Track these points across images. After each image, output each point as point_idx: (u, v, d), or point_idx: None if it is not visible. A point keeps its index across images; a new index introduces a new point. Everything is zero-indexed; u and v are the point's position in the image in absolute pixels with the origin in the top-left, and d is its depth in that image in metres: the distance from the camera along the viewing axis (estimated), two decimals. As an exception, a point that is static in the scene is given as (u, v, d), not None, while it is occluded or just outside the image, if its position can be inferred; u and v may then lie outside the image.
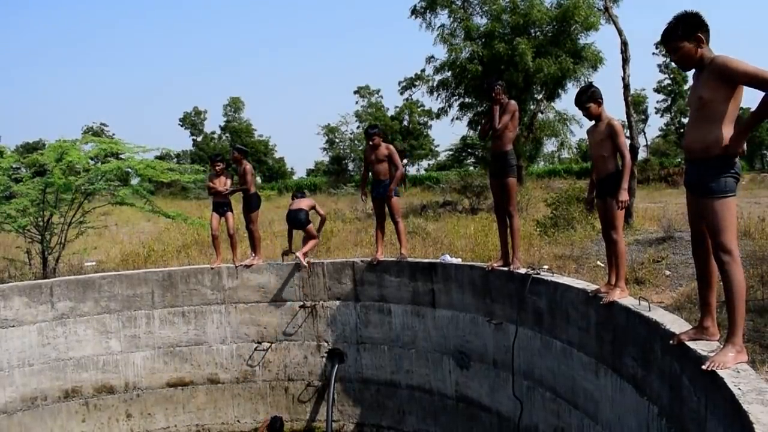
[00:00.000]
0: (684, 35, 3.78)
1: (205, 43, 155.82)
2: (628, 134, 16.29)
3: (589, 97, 5.50)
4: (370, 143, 9.06)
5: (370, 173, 9.26)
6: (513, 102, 7.22)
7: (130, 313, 9.51)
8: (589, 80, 24.84)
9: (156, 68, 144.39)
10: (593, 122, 5.59)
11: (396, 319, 9.05)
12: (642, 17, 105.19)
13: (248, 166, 9.81)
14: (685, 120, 52.48)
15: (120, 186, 12.65)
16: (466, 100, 29.24)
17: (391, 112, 54.92)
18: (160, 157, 23.03)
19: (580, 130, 33.31)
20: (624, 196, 5.26)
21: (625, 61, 23.78)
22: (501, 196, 7.38)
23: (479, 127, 7.63)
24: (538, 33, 25.85)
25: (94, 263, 12.70)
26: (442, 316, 8.51)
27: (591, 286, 6.05)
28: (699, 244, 3.98)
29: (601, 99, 5.53)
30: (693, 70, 3.88)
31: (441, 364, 8.63)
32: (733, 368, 3.52)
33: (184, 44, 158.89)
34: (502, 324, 7.44)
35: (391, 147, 9.17)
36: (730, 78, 3.57)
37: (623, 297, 5.32)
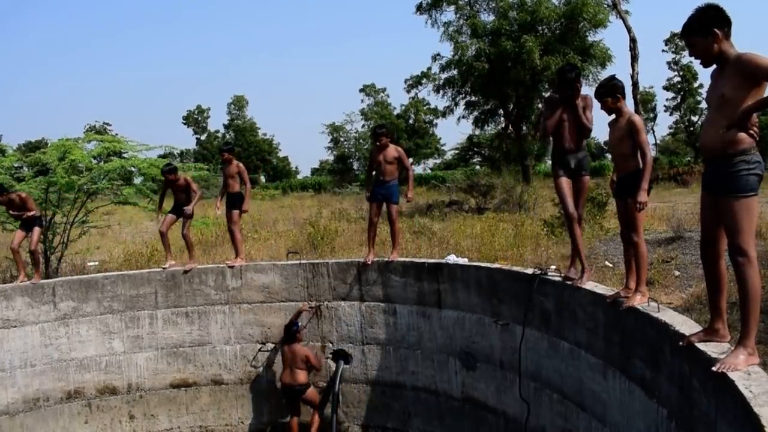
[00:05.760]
0: (699, 30, 3.69)
1: (209, 41, 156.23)
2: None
3: (606, 90, 5.29)
4: (377, 143, 9.00)
5: (374, 173, 9.21)
6: (588, 94, 6.24)
7: (133, 314, 9.46)
8: (599, 78, 24.71)
9: (159, 66, 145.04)
10: (613, 117, 5.36)
11: (401, 320, 8.97)
12: (652, 13, 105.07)
13: (242, 165, 9.80)
14: (695, 118, 52.36)
15: (123, 185, 12.64)
16: (473, 98, 29.19)
17: (397, 111, 54.95)
18: (164, 156, 23.04)
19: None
20: (643, 197, 5.00)
21: (634, 58, 23.69)
22: (571, 194, 6.35)
23: (541, 125, 6.88)
24: (545, 30, 25.78)
25: (96, 263, 12.66)
26: (448, 317, 8.43)
27: (599, 286, 5.95)
28: (709, 246, 3.89)
29: (621, 94, 5.30)
30: (712, 67, 3.78)
31: (447, 365, 8.55)
32: (744, 370, 3.45)
33: (187, 42, 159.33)
34: (509, 325, 7.35)
35: (400, 149, 9.16)
36: (756, 75, 3.47)
37: (644, 302, 5.07)
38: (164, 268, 9.61)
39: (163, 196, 10.12)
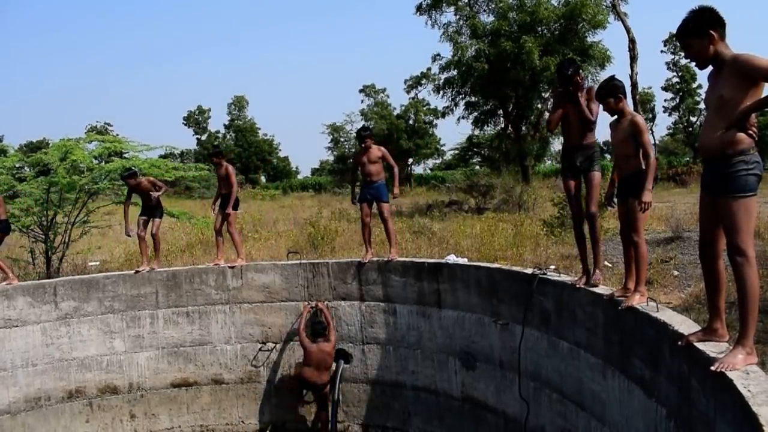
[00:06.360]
0: (695, 32, 3.70)
1: (210, 42, 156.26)
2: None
3: (607, 91, 5.30)
4: (363, 145, 9.17)
5: (359, 175, 9.37)
6: (593, 86, 6.09)
7: (134, 313, 9.47)
8: (598, 78, 24.68)
9: (160, 67, 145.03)
10: (615, 117, 5.38)
11: (401, 320, 8.99)
12: (650, 14, 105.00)
13: (230, 167, 9.80)
14: (694, 118, 52.30)
15: (124, 185, 12.60)
16: (472, 98, 29.17)
17: (397, 111, 54.82)
18: (164, 156, 23.05)
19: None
20: (647, 197, 4.97)
21: (633, 59, 23.75)
22: (577, 195, 6.29)
23: (547, 119, 6.79)
24: (545, 31, 25.76)
25: (97, 263, 12.68)
26: (448, 317, 8.45)
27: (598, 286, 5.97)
28: (707, 246, 3.90)
29: (622, 94, 5.31)
30: (708, 68, 3.80)
31: (447, 365, 8.56)
32: (742, 370, 3.46)
33: (188, 43, 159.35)
34: (509, 324, 7.37)
35: (383, 149, 9.31)
36: (754, 76, 3.49)
37: (642, 302, 5.07)
38: (137, 271, 9.56)
39: (128, 203, 10.10)
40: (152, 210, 9.79)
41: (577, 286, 6.13)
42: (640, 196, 5.01)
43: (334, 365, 9.37)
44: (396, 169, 9.42)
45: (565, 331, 6.31)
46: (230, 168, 9.74)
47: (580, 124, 6.06)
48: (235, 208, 9.78)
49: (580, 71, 6.04)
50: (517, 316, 7.12)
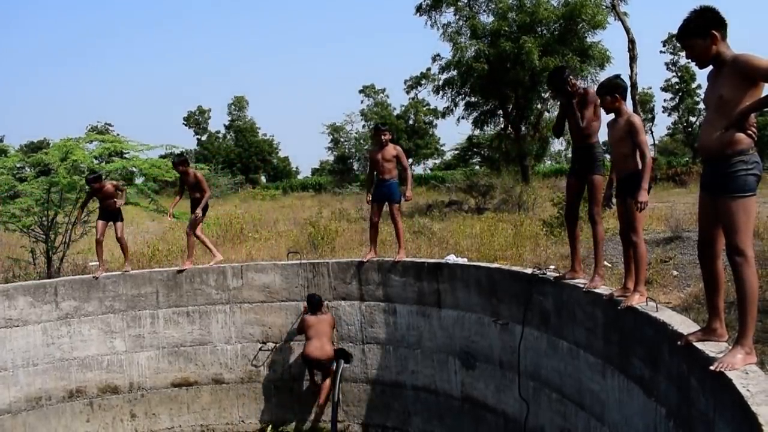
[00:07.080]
0: (697, 32, 3.72)
1: (210, 42, 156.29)
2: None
3: (606, 90, 5.30)
4: (381, 138, 9.12)
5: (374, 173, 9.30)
6: (591, 90, 6.02)
7: (135, 313, 9.49)
8: (598, 79, 24.67)
9: (160, 67, 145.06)
10: (612, 117, 5.38)
11: (401, 319, 9.00)
12: (650, 14, 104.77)
13: (199, 174, 9.84)
14: (693, 119, 52.31)
15: (124, 185, 12.61)
16: (472, 99, 29.17)
17: (397, 111, 54.85)
18: (165, 156, 23.01)
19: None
20: (643, 196, 4.94)
21: (633, 59, 23.72)
22: (577, 198, 6.36)
23: (552, 126, 6.92)
24: (544, 31, 25.75)
25: (98, 263, 12.66)
26: (448, 317, 8.46)
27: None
28: (706, 246, 3.91)
29: (620, 94, 5.30)
30: (709, 68, 3.81)
31: (446, 365, 8.58)
32: (741, 370, 3.47)
33: (188, 43, 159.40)
34: (508, 324, 7.38)
35: (398, 147, 9.22)
36: (753, 76, 3.51)
37: (642, 302, 5.06)
38: (96, 278, 9.48)
39: (84, 206, 10.25)
40: (113, 214, 9.78)
41: (558, 276, 6.32)
42: (636, 195, 5.00)
43: (333, 364, 9.38)
44: (409, 171, 9.34)
45: (565, 330, 6.32)
46: (199, 174, 9.79)
47: (576, 126, 6.10)
48: (203, 212, 9.81)
49: (570, 78, 6.06)
50: (517, 316, 7.14)
